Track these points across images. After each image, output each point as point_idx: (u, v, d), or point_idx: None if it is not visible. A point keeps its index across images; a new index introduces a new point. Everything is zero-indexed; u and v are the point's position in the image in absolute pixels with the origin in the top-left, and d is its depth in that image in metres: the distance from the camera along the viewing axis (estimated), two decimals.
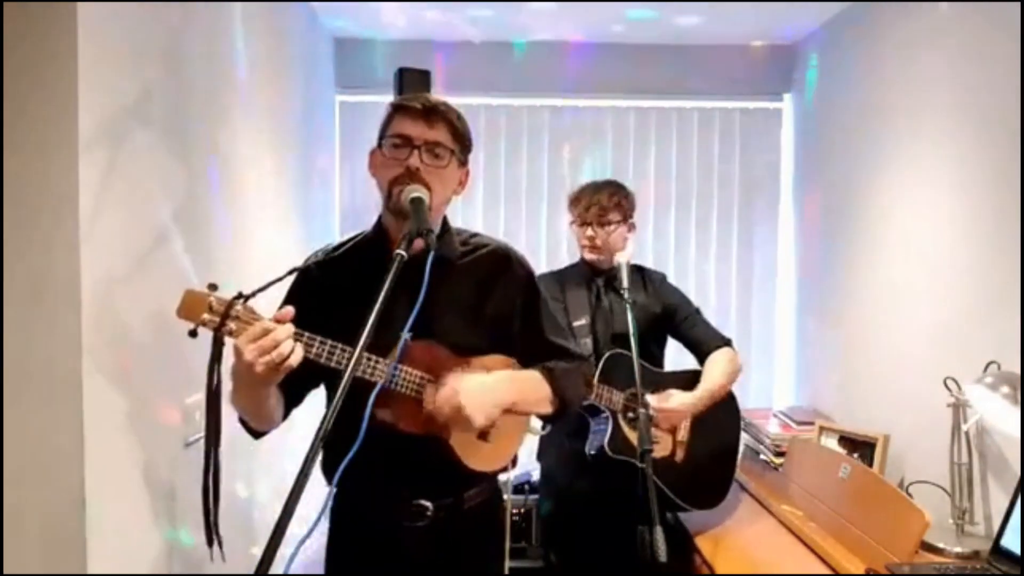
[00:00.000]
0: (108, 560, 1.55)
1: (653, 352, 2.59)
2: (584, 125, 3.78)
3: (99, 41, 1.50)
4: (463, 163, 1.63)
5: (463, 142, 1.61)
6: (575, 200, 2.59)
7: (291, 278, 1.52)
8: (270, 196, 2.71)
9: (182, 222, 1.91)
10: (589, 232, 2.54)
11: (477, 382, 1.55)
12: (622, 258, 2.43)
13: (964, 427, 2.21)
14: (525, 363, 1.70)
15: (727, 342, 2.60)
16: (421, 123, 1.55)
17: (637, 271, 2.66)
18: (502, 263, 1.71)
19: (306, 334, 1.39)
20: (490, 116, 3.74)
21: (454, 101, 1.63)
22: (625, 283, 2.35)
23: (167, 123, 1.83)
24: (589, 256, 2.57)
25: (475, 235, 1.74)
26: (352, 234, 1.71)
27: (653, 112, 3.79)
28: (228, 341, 1.36)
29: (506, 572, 1.78)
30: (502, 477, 1.77)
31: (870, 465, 2.56)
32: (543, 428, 1.86)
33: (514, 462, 1.77)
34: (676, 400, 2.42)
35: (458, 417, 1.50)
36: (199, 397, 1.89)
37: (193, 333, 1.33)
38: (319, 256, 1.64)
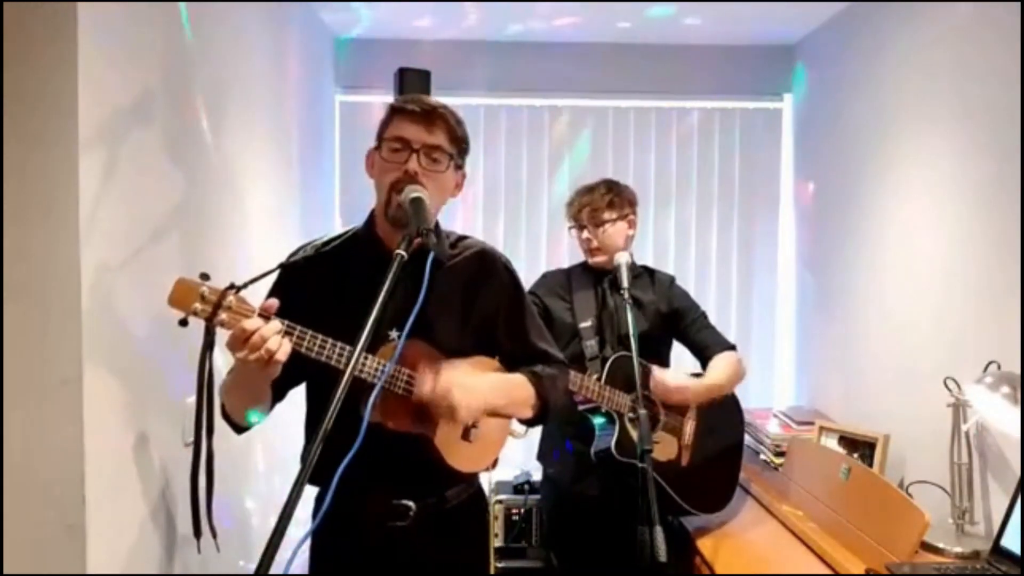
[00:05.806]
0: (108, 560, 1.55)
1: (660, 355, 2.57)
2: (584, 125, 3.78)
3: (99, 41, 1.50)
4: (460, 166, 1.63)
5: (461, 145, 1.61)
6: (568, 204, 2.58)
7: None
8: (270, 196, 2.71)
9: (182, 222, 1.91)
10: (585, 234, 2.52)
11: (470, 380, 1.55)
12: (621, 258, 2.42)
13: (964, 427, 2.21)
14: (508, 366, 1.70)
15: (731, 347, 2.59)
16: (420, 126, 1.54)
17: (646, 272, 2.64)
18: (488, 266, 1.71)
19: (298, 328, 1.39)
20: (490, 116, 3.74)
21: (454, 101, 1.63)
22: (625, 283, 2.35)
23: (167, 123, 1.83)
24: (591, 259, 2.54)
25: (462, 237, 1.74)
26: (340, 231, 1.71)
27: (653, 112, 3.79)
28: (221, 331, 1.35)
29: (492, 572, 1.78)
30: (484, 476, 1.77)
31: (870, 465, 2.56)
32: (524, 432, 1.87)
33: (494, 463, 1.78)
34: (675, 379, 2.38)
35: (445, 410, 1.50)
36: None
37: (184, 322, 1.33)
38: (307, 251, 1.63)
